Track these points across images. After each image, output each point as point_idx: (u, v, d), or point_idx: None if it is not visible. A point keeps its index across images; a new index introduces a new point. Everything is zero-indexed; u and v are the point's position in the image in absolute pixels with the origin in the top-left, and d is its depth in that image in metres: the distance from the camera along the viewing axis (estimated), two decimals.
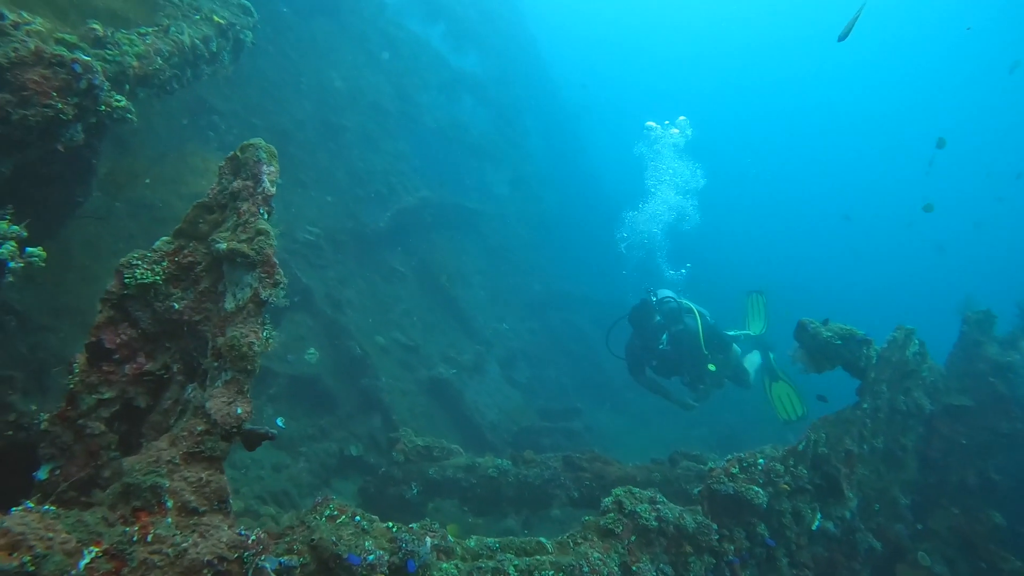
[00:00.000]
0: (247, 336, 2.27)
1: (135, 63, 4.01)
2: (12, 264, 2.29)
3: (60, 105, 2.82)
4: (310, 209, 10.55)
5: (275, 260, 2.38)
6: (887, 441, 5.91)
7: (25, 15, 3.92)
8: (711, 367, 7.07)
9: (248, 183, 2.60)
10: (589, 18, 39.13)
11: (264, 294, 2.32)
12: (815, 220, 34.30)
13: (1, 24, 2.82)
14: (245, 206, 2.56)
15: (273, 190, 2.58)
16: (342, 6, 12.10)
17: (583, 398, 13.66)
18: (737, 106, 39.99)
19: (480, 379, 11.09)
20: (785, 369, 8.70)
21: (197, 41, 4.87)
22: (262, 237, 2.39)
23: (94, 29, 3.80)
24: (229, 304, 2.41)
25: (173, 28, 4.60)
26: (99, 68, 3.04)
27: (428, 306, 11.23)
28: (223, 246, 2.39)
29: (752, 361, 8.73)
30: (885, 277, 31.31)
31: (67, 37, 3.68)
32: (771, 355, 8.98)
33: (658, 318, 6.97)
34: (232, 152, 2.71)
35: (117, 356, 2.53)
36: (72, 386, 2.45)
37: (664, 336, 7.04)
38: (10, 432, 3.74)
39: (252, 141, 2.68)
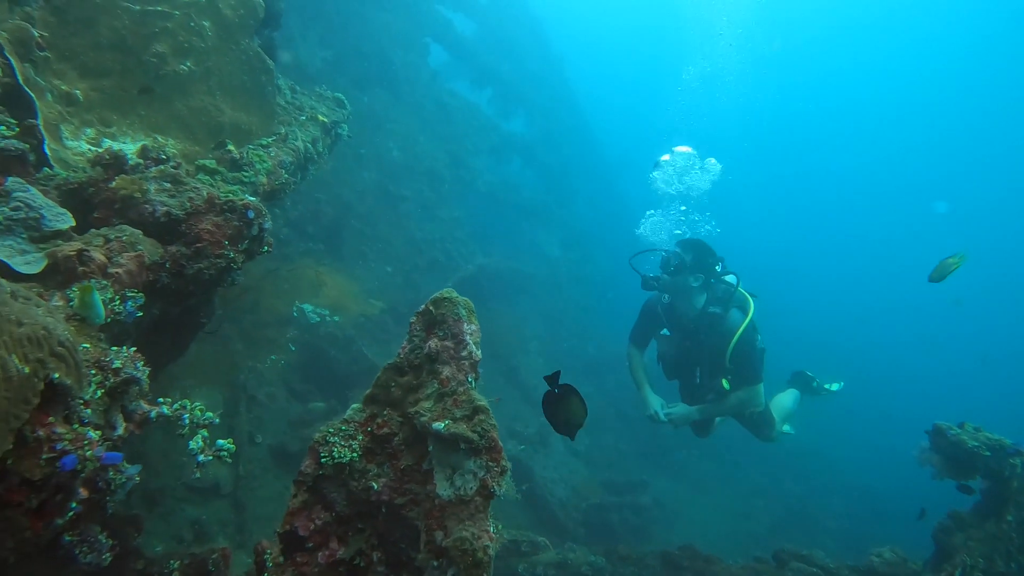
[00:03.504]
0: (480, 538, 2.01)
1: (265, 180, 3.91)
2: (201, 459, 2.07)
3: (232, 254, 2.66)
4: (371, 281, 10.47)
5: (500, 444, 2.14)
6: None
7: (160, 139, 3.85)
8: (725, 383, 5.37)
9: (448, 344, 2.39)
10: (629, 73, 39.48)
11: (494, 486, 2.06)
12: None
13: (176, 172, 2.70)
14: (447, 372, 2.34)
15: (479, 354, 2.36)
16: (398, 76, 12.27)
17: (641, 465, 13.21)
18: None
19: (545, 452, 10.71)
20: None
21: (308, 144, 4.80)
22: (482, 416, 2.15)
23: (230, 152, 3.70)
24: (445, 491, 2.16)
25: (290, 135, 4.53)
26: (265, 210, 2.90)
27: (489, 376, 10.96)
28: (440, 427, 2.15)
29: (782, 405, 6.78)
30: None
31: (208, 163, 3.58)
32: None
33: (694, 283, 5.21)
34: (424, 306, 2.50)
35: (311, 544, 2.29)
36: None
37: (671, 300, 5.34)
38: None
39: (446, 295, 2.48)
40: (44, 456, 1.45)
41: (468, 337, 2.38)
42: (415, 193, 11.77)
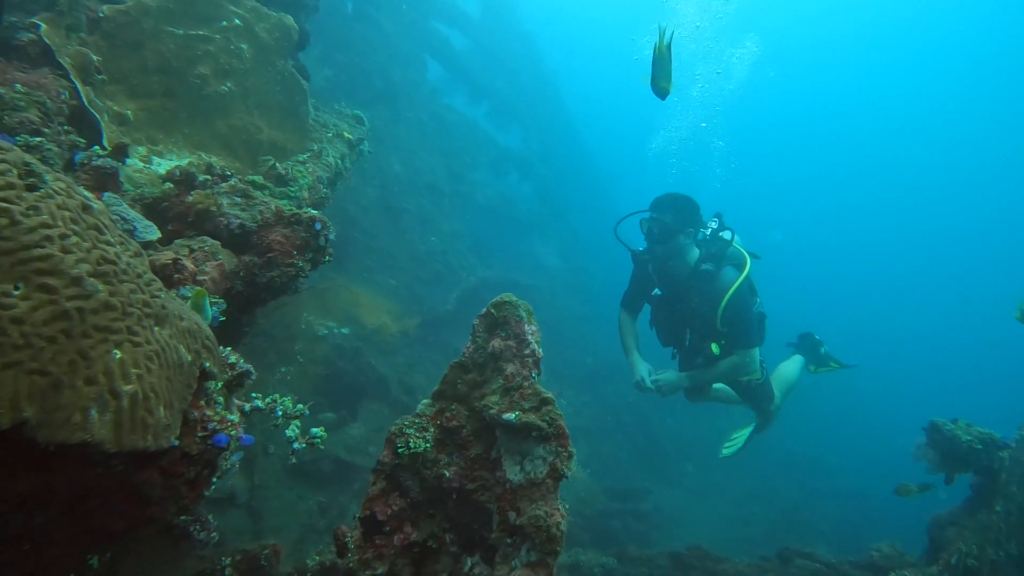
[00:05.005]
0: (552, 515, 2.22)
1: (306, 195, 4.11)
2: (296, 446, 2.27)
3: (300, 264, 2.87)
4: (377, 295, 10.64)
5: (567, 431, 2.35)
6: (1020, 546, 5.69)
7: (203, 156, 4.05)
8: (714, 347, 5.02)
9: (511, 343, 2.60)
10: (618, 85, 40.05)
11: (563, 469, 2.28)
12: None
13: (245, 188, 2.90)
14: (512, 368, 2.55)
15: (541, 352, 2.57)
16: (397, 93, 12.53)
17: (640, 473, 13.44)
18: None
19: None
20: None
21: (338, 160, 5.02)
22: (549, 407, 2.37)
23: (275, 168, 3.90)
24: (515, 476, 2.36)
25: (323, 152, 4.74)
26: (329, 222, 3.11)
27: None
28: (511, 417, 2.36)
29: (785, 376, 6.27)
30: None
31: (256, 179, 3.78)
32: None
33: (685, 240, 4.85)
34: (485, 309, 2.72)
35: (387, 528, 2.48)
36: (351, 564, 2.38)
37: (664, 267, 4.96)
38: None
39: (506, 298, 2.70)
40: (199, 434, 1.64)
41: (530, 336, 2.60)
42: (416, 207, 12.00)
